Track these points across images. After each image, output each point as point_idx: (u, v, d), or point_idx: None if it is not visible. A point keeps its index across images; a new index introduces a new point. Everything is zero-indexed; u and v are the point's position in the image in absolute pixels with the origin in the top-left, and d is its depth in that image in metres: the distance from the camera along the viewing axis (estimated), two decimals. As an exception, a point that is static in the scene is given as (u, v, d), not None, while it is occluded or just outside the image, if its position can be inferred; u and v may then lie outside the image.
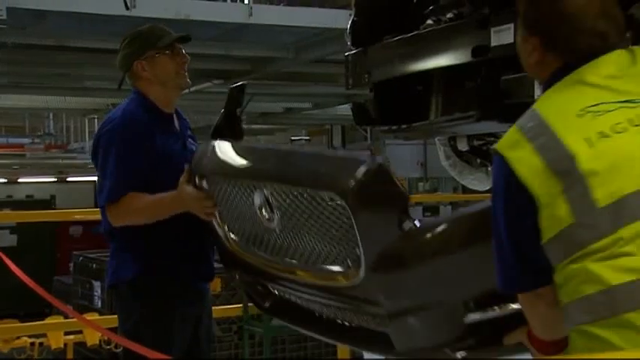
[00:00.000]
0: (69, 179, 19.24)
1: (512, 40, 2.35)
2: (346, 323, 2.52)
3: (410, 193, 14.79)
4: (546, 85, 1.74)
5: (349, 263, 2.23)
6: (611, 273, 1.50)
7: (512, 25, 2.38)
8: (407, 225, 2.06)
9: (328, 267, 2.32)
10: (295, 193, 2.33)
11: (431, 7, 2.95)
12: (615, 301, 1.50)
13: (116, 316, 3.12)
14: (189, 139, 3.09)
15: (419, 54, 2.83)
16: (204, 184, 2.80)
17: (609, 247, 1.52)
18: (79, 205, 13.62)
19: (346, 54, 3.35)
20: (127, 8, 7.47)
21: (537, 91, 2.26)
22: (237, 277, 2.94)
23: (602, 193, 1.54)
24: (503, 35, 2.41)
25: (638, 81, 1.64)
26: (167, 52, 2.86)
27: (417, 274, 2.08)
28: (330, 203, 2.23)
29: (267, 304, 2.86)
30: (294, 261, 2.43)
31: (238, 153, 2.67)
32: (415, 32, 2.91)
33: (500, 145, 1.68)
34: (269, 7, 9.62)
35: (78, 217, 7.77)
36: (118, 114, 2.88)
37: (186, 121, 3.12)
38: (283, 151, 2.75)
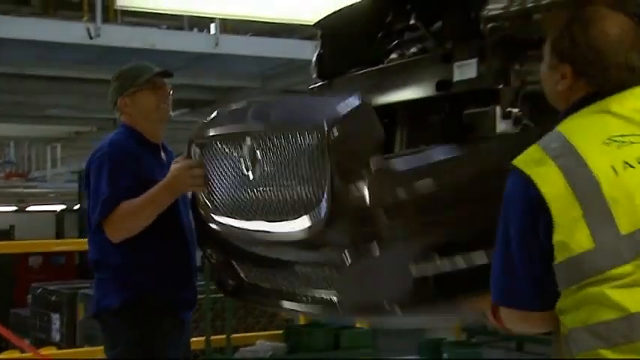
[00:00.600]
0: (29, 209, 18.90)
1: (474, 75, 2.38)
2: (306, 295, 2.48)
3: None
4: (569, 111, 1.75)
5: (316, 206, 2.23)
6: (631, 301, 1.52)
7: (475, 60, 2.41)
8: (379, 164, 2.09)
9: (296, 214, 2.32)
10: (279, 135, 2.36)
11: (396, 41, 2.98)
12: (633, 329, 1.52)
13: (74, 349, 3.08)
14: None
15: (383, 87, 2.84)
16: (197, 153, 2.80)
17: (630, 274, 1.54)
18: (40, 235, 13.35)
19: (311, 86, 3.36)
20: (91, 37, 7.40)
21: (500, 125, 2.29)
22: (209, 254, 2.91)
23: (625, 221, 1.56)
24: (465, 70, 2.43)
25: None
26: (147, 87, 2.95)
27: (382, 216, 2.08)
28: (310, 139, 2.26)
29: (230, 286, 2.85)
30: (263, 221, 2.42)
31: (229, 113, 2.71)
32: (380, 66, 2.93)
33: (520, 162, 1.68)
34: (235, 37, 9.63)
35: (38, 249, 7.61)
36: (106, 143, 2.98)
37: (172, 153, 3.16)
38: (272, 101, 2.73)
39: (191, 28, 10.31)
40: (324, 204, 2.20)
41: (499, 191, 1.72)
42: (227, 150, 2.65)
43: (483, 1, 2.38)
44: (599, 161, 1.60)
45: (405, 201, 2.09)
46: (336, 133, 2.20)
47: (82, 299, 6.98)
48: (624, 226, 1.56)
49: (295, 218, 2.31)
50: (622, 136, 1.63)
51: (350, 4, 3.16)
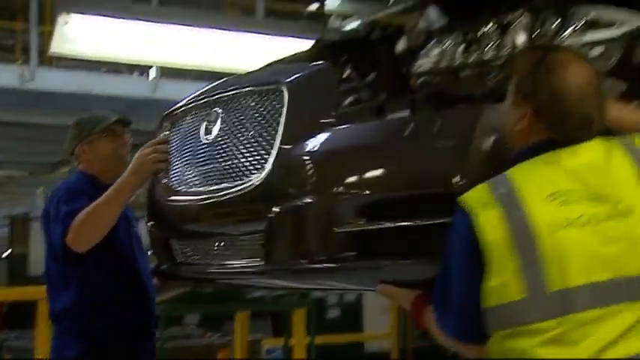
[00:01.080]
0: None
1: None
2: (236, 265, 2.46)
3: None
4: (523, 154, 1.75)
5: (263, 166, 2.29)
6: (550, 356, 1.56)
7: (407, 112, 2.45)
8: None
9: (243, 176, 2.35)
10: (241, 94, 2.43)
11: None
12: None
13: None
14: (133, 220, 3.11)
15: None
16: (167, 127, 2.80)
17: (553, 329, 1.57)
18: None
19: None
20: (24, 81, 7.27)
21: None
22: (152, 229, 2.85)
23: (556, 279, 1.59)
24: (398, 121, 2.48)
25: (607, 178, 1.68)
26: (106, 135, 2.96)
27: (317, 175, 2.15)
28: (267, 98, 2.34)
29: (164, 267, 2.79)
30: (211, 187, 2.44)
31: (202, 89, 2.74)
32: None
33: (468, 200, 1.69)
34: (175, 83, 9.61)
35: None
36: (63, 187, 2.94)
37: (130, 209, 3.11)
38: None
39: (130, 73, 10.26)
40: (269, 163, 2.25)
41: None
42: (192, 120, 2.65)
43: (413, 57, 2.43)
44: (542, 215, 1.61)
45: (340, 164, 2.17)
46: (291, 92, 2.27)
47: (8, 351, 6.69)
48: (554, 283, 1.58)
49: (242, 179, 2.34)
50: (567, 192, 1.64)
51: (290, 54, 3.19)
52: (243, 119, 2.41)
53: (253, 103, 2.40)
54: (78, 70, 9.44)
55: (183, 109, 2.75)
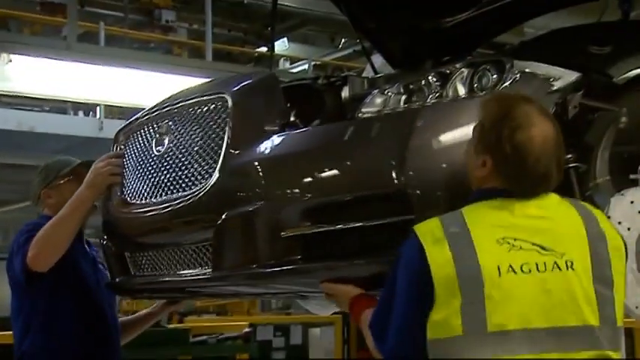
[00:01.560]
0: None
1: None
2: (185, 275, 2.48)
3: (262, 309, 14.75)
4: (479, 196, 1.80)
5: (210, 174, 2.34)
6: None
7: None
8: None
9: (191, 185, 2.40)
10: (188, 105, 2.50)
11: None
12: None
13: None
14: (100, 265, 3.07)
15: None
16: (121, 142, 2.83)
17: None
18: None
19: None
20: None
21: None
22: (106, 244, 2.84)
23: (494, 321, 1.64)
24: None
25: (555, 233, 1.73)
26: (72, 178, 2.93)
27: (263, 181, 2.21)
28: (213, 107, 2.41)
29: (119, 280, 2.79)
30: (162, 197, 2.48)
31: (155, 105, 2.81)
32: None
33: (420, 232, 1.74)
34: (120, 122, 9.52)
35: None
36: (25, 228, 2.88)
37: (96, 251, 3.09)
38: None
39: (75, 111, 10.13)
40: (216, 170, 2.30)
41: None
42: (144, 133, 2.69)
43: (359, 103, 2.47)
44: (489, 258, 1.67)
45: (284, 169, 2.25)
46: (235, 100, 2.35)
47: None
48: (492, 325, 1.64)
49: (191, 188, 2.38)
50: (515, 239, 1.69)
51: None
52: (190, 130, 2.45)
53: (200, 112, 2.46)
54: (20, 108, 9.29)
55: (136, 123, 2.78)
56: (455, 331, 1.65)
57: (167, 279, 2.57)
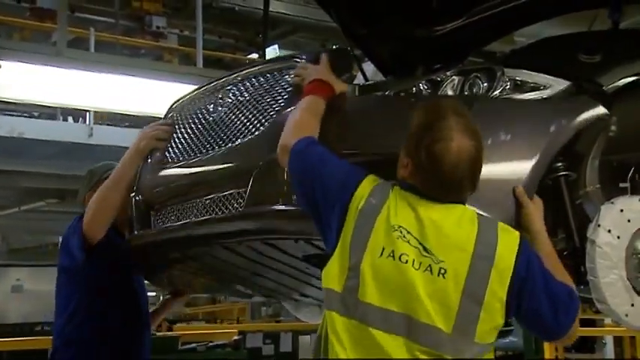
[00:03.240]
0: None
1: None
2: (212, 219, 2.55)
3: (252, 317, 14.70)
4: (402, 185, 1.95)
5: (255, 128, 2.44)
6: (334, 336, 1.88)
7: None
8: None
9: (236, 139, 2.50)
10: (250, 74, 2.61)
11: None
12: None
13: None
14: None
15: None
16: (174, 117, 2.92)
17: (345, 324, 1.87)
18: None
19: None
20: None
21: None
22: (136, 199, 2.88)
23: (362, 292, 1.86)
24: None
25: (444, 240, 1.86)
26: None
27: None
28: (283, 71, 2.48)
29: (134, 234, 2.84)
30: (206, 153, 2.58)
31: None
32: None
33: (367, 180, 1.95)
34: (111, 128, 9.49)
35: None
36: (75, 220, 2.97)
37: None
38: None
39: (65, 117, 10.09)
40: (265, 126, 2.39)
41: None
42: (199, 102, 2.80)
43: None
44: (379, 238, 1.87)
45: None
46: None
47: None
48: (362, 295, 1.85)
49: (235, 143, 2.49)
50: (408, 233, 1.87)
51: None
52: (253, 94, 2.58)
53: (266, 77, 2.58)
54: (9, 114, 9.25)
55: (192, 95, 2.91)
56: (338, 286, 1.88)
57: (192, 224, 2.62)
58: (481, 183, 1.96)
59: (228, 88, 2.69)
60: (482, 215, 1.92)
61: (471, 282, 1.83)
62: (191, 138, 2.73)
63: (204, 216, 2.57)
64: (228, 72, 2.93)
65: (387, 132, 2.21)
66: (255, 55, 10.99)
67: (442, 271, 1.83)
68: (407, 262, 1.84)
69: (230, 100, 2.64)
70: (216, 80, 2.83)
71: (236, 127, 2.54)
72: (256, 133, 2.44)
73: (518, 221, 2.10)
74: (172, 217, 2.74)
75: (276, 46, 10.68)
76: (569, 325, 1.93)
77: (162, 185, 2.77)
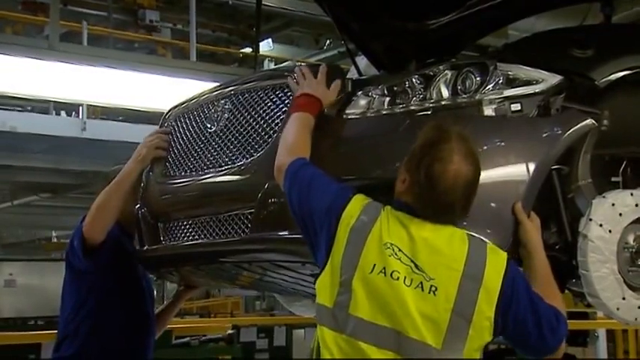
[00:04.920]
0: None
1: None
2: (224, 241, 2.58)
3: (246, 311, 14.69)
4: (395, 205, 2.01)
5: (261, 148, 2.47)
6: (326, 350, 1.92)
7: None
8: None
9: (242, 158, 2.53)
10: (250, 88, 2.61)
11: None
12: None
13: None
14: (150, 283, 3.25)
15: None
16: (171, 124, 2.97)
17: (335, 338, 1.90)
18: None
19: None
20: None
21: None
22: (142, 212, 2.96)
23: (354, 307, 1.90)
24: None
25: (435, 259, 1.91)
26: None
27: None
28: (279, 89, 2.50)
29: (145, 248, 2.90)
30: (209, 171, 2.62)
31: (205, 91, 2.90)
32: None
33: (355, 199, 2.00)
34: (103, 123, 9.46)
35: None
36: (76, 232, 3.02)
37: None
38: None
39: (58, 112, 10.05)
40: (269, 146, 2.41)
41: None
42: (196, 114, 2.82)
43: (345, 105, 2.46)
44: (370, 255, 1.92)
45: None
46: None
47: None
48: (352, 309, 1.89)
49: (239, 161, 2.52)
50: (399, 250, 1.91)
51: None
52: (251, 110, 2.59)
53: (262, 92, 2.60)
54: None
55: (186, 105, 2.92)
56: (329, 301, 1.92)
57: (200, 244, 2.66)
58: (479, 200, 2.01)
59: (226, 100, 2.69)
60: (472, 235, 1.97)
61: (460, 301, 1.88)
62: (192, 153, 2.76)
63: (213, 233, 2.61)
64: (222, 81, 2.92)
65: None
66: (248, 50, 10.97)
67: (433, 288, 1.88)
68: (398, 279, 1.89)
69: (231, 115, 2.64)
70: (213, 90, 2.83)
71: (239, 145, 2.56)
72: (261, 152, 2.46)
73: (516, 238, 2.13)
74: (181, 233, 2.78)
75: (269, 40, 10.65)
76: (556, 345, 1.99)
77: (169, 200, 2.81)
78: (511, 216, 2.13)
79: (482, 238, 1.99)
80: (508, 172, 2.18)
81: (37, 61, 7.08)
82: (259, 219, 2.38)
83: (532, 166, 2.18)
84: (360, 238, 1.93)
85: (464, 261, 1.91)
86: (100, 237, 2.85)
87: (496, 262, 1.93)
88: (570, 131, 2.24)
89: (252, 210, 2.41)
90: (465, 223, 2.02)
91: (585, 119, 2.27)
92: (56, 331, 3.03)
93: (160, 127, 3.03)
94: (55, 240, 18.05)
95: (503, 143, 2.21)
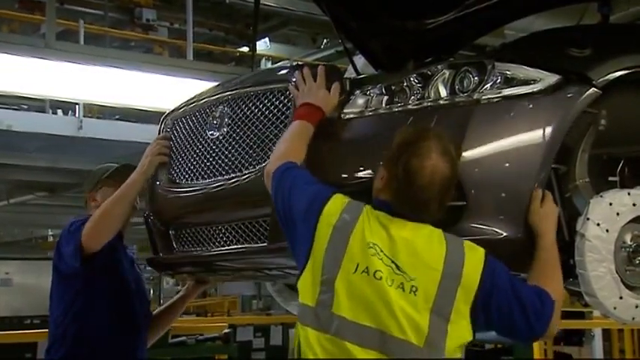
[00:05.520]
0: None
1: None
2: (234, 249, 2.59)
3: (243, 310, 14.69)
4: (375, 204, 2.03)
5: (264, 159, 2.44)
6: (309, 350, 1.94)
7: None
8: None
9: (247, 167, 2.52)
10: (251, 94, 2.59)
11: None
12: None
13: None
14: (136, 265, 3.22)
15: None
16: (169, 126, 2.98)
17: (318, 338, 1.92)
18: None
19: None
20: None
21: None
22: (151, 220, 2.99)
23: (337, 306, 1.92)
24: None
25: (414, 259, 1.93)
26: (111, 182, 3.07)
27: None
28: (279, 93, 2.50)
29: (161, 259, 2.92)
30: (215, 178, 2.61)
31: (203, 93, 2.89)
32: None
33: (335, 198, 2.02)
34: (100, 121, 9.44)
35: None
36: (73, 220, 3.00)
37: (133, 253, 3.27)
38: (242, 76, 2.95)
39: (54, 110, 10.03)
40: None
41: None
42: (196, 119, 2.81)
43: (343, 105, 2.46)
44: (354, 254, 1.94)
45: None
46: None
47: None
48: (336, 308, 1.92)
49: (247, 170, 2.51)
50: (381, 251, 1.94)
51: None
52: (253, 116, 2.59)
53: (262, 98, 2.59)
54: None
55: (184, 109, 2.90)
56: (311, 300, 1.94)
57: (214, 253, 2.67)
58: (492, 185, 2.06)
59: (227, 106, 2.68)
60: (449, 234, 1.99)
61: (439, 300, 1.91)
62: (194, 158, 2.75)
63: (227, 241, 2.62)
64: (220, 80, 2.94)
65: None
66: (245, 49, 10.95)
67: (414, 288, 1.91)
68: (381, 278, 1.92)
69: (229, 121, 2.64)
70: (214, 93, 2.81)
71: (240, 152, 2.56)
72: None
73: (527, 221, 2.15)
74: (193, 241, 2.80)
75: (266, 39, 10.64)
76: (543, 327, 2.01)
77: (180, 207, 2.82)
78: (522, 202, 2.15)
79: (456, 236, 2.02)
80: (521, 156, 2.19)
81: (34, 60, 7.07)
82: (276, 226, 2.37)
83: (545, 136, 2.18)
84: (343, 237, 1.95)
85: (443, 260, 1.94)
86: (98, 246, 2.83)
87: (474, 258, 1.96)
88: (580, 99, 2.24)
89: (268, 218, 2.42)
90: (477, 209, 2.08)
91: (590, 89, 2.26)
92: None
93: (160, 132, 3.03)
94: (52, 239, 18.01)
95: (512, 122, 2.21)
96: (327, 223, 1.98)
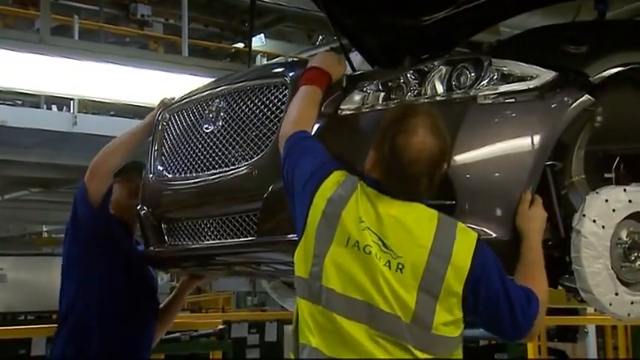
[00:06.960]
0: None
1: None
2: (224, 243, 2.60)
3: (238, 307, 14.67)
4: (369, 180, 2.02)
5: (261, 152, 2.46)
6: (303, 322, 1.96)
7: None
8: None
9: (241, 161, 2.52)
10: (247, 88, 2.61)
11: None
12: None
13: None
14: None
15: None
16: (166, 119, 3.00)
17: (310, 309, 1.94)
18: None
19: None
20: None
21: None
22: (143, 214, 2.99)
23: (326, 278, 1.93)
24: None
25: (403, 236, 1.93)
26: (118, 179, 3.19)
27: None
28: (274, 88, 2.51)
29: (153, 252, 2.94)
30: (208, 172, 2.63)
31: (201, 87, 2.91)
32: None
33: (335, 174, 2.03)
34: (94, 117, 9.42)
35: None
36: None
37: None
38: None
39: (49, 106, 10.00)
40: (269, 148, 2.41)
41: None
42: (192, 113, 2.82)
43: (340, 101, 2.46)
44: (346, 227, 1.94)
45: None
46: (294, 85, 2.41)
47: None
48: (326, 281, 1.93)
49: (240, 164, 2.51)
50: (369, 228, 1.94)
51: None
52: (248, 110, 2.60)
53: (259, 92, 2.60)
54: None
55: (180, 103, 2.90)
56: (305, 273, 1.96)
57: (205, 246, 2.68)
58: (483, 186, 2.05)
59: (222, 101, 2.68)
60: (442, 215, 1.97)
61: (428, 278, 1.90)
62: (189, 151, 2.76)
63: (218, 235, 2.62)
64: (215, 76, 2.95)
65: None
66: (241, 45, 10.94)
67: (400, 266, 1.91)
68: (370, 253, 1.92)
69: (224, 115, 2.65)
70: (210, 88, 2.82)
71: (234, 146, 2.56)
72: (262, 153, 2.46)
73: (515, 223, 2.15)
74: (184, 234, 2.80)
75: (262, 36, 10.63)
76: (528, 324, 2.00)
77: (170, 201, 2.83)
78: (510, 202, 2.15)
79: (453, 218, 2.01)
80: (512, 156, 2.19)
81: (28, 55, 7.04)
82: (265, 221, 2.39)
83: (537, 141, 2.18)
84: (336, 211, 1.96)
85: (432, 239, 1.92)
86: (100, 187, 2.96)
87: (466, 240, 1.95)
88: (572, 106, 2.24)
89: (257, 213, 2.42)
90: (467, 209, 2.07)
91: (582, 95, 2.26)
92: (47, 327, 3.06)
93: (156, 126, 3.04)
94: (46, 235, 17.98)
95: (505, 125, 2.22)
96: (323, 196, 1.99)
